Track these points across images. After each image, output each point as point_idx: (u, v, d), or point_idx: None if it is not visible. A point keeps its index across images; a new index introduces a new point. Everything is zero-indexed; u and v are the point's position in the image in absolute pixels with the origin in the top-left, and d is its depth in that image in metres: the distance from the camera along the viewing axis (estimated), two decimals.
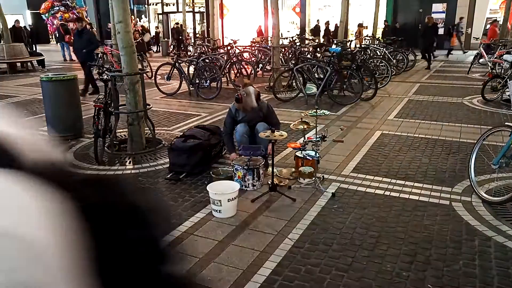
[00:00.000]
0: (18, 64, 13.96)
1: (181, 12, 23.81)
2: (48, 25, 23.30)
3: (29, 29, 23.96)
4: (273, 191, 3.92)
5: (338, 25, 14.80)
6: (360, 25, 19.11)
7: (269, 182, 3.97)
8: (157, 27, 26.87)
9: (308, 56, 10.94)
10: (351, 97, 8.57)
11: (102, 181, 0.62)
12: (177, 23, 23.81)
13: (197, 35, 24.80)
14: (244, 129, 4.64)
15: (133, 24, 21.47)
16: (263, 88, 9.95)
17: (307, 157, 4.31)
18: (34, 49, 21.96)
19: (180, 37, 21.25)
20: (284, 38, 16.83)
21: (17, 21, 17.23)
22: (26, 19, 31.25)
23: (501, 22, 16.96)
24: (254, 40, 15.13)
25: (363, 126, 6.53)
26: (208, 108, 8.17)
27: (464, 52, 17.08)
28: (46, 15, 23.07)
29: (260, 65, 12.71)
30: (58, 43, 20.68)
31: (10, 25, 15.06)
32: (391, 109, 7.76)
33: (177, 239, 3.19)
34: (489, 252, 2.96)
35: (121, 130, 6.19)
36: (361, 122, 6.80)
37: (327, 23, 20.39)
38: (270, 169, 4.08)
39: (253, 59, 12.88)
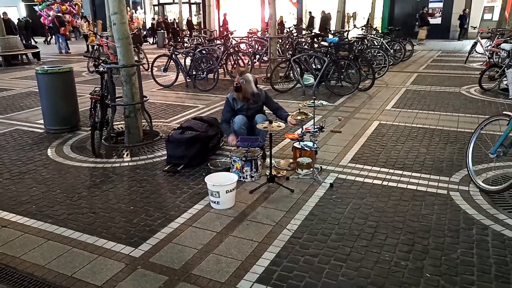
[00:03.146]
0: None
1: (177, 3, 23.63)
2: (42, 17, 23.06)
3: (23, 22, 23.72)
4: (271, 182, 3.92)
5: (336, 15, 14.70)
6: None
7: (267, 173, 3.97)
8: (153, 19, 26.65)
9: (306, 46, 10.89)
10: (349, 87, 8.56)
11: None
12: (174, 19, 23.76)
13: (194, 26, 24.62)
14: (242, 121, 4.58)
15: (128, 16, 21.30)
16: (260, 79, 9.90)
17: (305, 148, 4.31)
18: (30, 41, 21.77)
19: (177, 29, 21.15)
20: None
21: (4, 13, 17.05)
22: (20, 11, 30.92)
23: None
24: (250, 31, 15.03)
25: (360, 117, 6.53)
26: (205, 99, 8.14)
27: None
28: (39, 7, 22.80)
29: (257, 56, 12.65)
30: (53, 35, 20.53)
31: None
32: (388, 99, 7.75)
33: (176, 230, 3.19)
34: (486, 241, 2.98)
35: (118, 123, 6.16)
36: (359, 113, 6.79)
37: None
38: (268, 160, 4.07)
39: (250, 50, 12.81)
